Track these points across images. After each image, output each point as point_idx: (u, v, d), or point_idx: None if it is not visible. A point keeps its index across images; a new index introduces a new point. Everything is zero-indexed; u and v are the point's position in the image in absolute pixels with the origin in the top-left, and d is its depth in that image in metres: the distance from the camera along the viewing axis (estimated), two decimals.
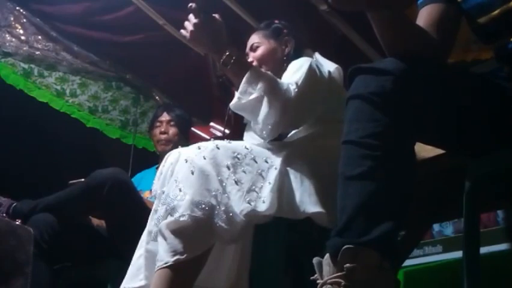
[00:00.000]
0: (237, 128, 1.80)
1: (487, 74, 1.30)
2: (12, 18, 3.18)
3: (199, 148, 1.52)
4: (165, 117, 2.79)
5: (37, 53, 3.25)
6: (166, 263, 1.37)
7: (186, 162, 1.48)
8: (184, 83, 3.46)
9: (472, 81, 1.20)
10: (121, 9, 3.12)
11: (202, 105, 3.00)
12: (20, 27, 3.20)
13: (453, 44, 1.29)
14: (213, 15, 1.61)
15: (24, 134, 3.17)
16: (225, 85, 1.80)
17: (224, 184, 1.46)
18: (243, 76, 1.55)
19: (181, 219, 1.39)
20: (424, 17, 1.26)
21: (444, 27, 1.25)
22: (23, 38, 3.20)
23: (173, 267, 1.37)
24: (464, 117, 1.13)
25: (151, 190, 2.55)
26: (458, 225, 2.95)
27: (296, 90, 1.56)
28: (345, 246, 0.96)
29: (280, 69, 1.78)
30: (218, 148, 1.52)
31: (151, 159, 2.96)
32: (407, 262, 2.13)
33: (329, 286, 0.96)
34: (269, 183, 1.48)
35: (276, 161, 1.54)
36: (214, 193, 1.44)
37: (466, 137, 1.17)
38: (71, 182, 2.37)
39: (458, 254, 2.68)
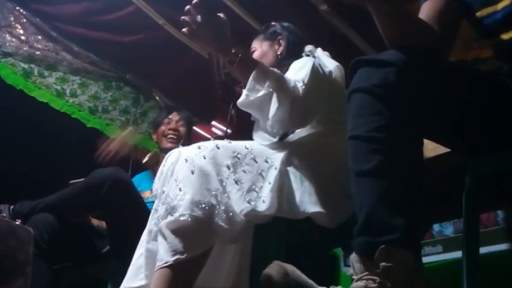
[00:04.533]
0: (238, 128, 1.80)
1: (489, 72, 1.29)
2: (12, 18, 3.18)
3: (199, 148, 1.52)
4: (175, 116, 2.78)
5: (37, 53, 3.25)
6: (166, 263, 1.37)
7: (186, 161, 1.49)
8: (184, 83, 3.46)
9: (473, 76, 1.19)
10: (121, 9, 3.12)
11: (202, 105, 3.01)
12: (20, 27, 3.20)
13: (455, 38, 1.29)
14: (217, 13, 1.61)
15: (24, 134, 3.16)
16: (227, 84, 1.80)
17: (224, 184, 1.46)
18: (250, 74, 1.55)
19: (181, 218, 1.39)
20: (426, 10, 1.26)
21: (446, 21, 1.24)
22: (23, 38, 3.21)
23: (174, 267, 1.36)
24: (466, 112, 1.12)
25: (151, 190, 2.55)
26: (458, 225, 2.95)
27: (303, 87, 1.57)
28: (381, 247, 0.96)
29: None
30: (218, 148, 1.52)
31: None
32: None
33: (364, 282, 0.97)
34: (269, 183, 1.48)
35: (276, 160, 1.54)
36: (214, 193, 1.44)
37: (467, 133, 1.16)
38: (71, 182, 2.37)
39: (458, 254, 2.68)
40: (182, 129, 2.74)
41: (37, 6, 3.20)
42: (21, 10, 3.20)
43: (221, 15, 1.62)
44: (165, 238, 1.40)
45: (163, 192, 1.50)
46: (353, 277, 1.01)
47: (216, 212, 1.42)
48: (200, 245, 1.41)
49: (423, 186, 1.04)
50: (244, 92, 1.57)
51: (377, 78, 1.05)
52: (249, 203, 1.44)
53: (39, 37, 3.26)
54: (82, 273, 2.39)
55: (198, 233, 1.40)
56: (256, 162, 1.52)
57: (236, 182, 1.47)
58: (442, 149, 1.34)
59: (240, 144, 1.57)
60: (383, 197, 0.99)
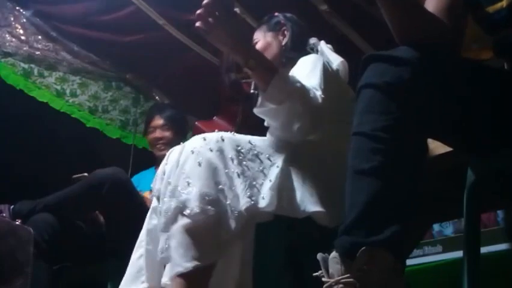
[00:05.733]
0: (242, 127, 1.79)
1: (495, 68, 1.26)
2: (12, 18, 3.18)
3: (205, 139, 1.49)
4: (158, 121, 2.77)
5: (37, 53, 3.25)
6: (186, 269, 1.33)
7: (193, 153, 1.45)
8: (184, 82, 3.46)
9: (478, 73, 1.15)
10: (121, 9, 3.12)
11: (202, 105, 3.01)
12: (20, 27, 3.20)
13: (465, 30, 1.25)
14: (234, 10, 1.51)
15: (23, 134, 3.16)
16: (237, 84, 1.75)
17: (230, 177, 1.44)
18: (267, 78, 1.48)
19: (192, 213, 1.36)
20: (432, 4, 1.21)
21: (455, 13, 1.20)
22: (23, 38, 3.20)
23: (192, 273, 1.33)
24: (469, 110, 1.09)
25: (150, 190, 2.55)
26: (458, 225, 2.95)
27: (323, 96, 1.53)
28: (362, 248, 0.93)
29: (279, 61, 1.77)
30: (223, 140, 1.49)
31: (151, 159, 2.96)
32: (407, 262, 2.13)
33: (341, 285, 0.94)
34: (270, 180, 1.46)
35: (279, 159, 1.52)
36: (221, 187, 1.41)
37: (470, 132, 1.13)
38: (74, 176, 2.37)
39: (458, 254, 2.68)
40: (168, 134, 2.72)
41: (37, 6, 3.20)
42: (21, 10, 3.20)
43: (237, 10, 1.52)
44: (180, 243, 1.36)
45: (169, 183, 1.47)
46: (324, 279, 0.97)
47: (224, 207, 1.39)
48: (216, 249, 1.38)
49: (424, 187, 1.03)
50: (262, 99, 1.51)
51: (390, 75, 1.02)
52: (250, 198, 1.42)
53: (39, 37, 3.26)
54: (82, 273, 2.39)
55: (213, 235, 1.37)
56: (259, 159, 1.51)
57: (239, 176, 1.45)
58: (443, 149, 1.34)
59: (244, 139, 1.54)
60: (377, 199, 0.97)
